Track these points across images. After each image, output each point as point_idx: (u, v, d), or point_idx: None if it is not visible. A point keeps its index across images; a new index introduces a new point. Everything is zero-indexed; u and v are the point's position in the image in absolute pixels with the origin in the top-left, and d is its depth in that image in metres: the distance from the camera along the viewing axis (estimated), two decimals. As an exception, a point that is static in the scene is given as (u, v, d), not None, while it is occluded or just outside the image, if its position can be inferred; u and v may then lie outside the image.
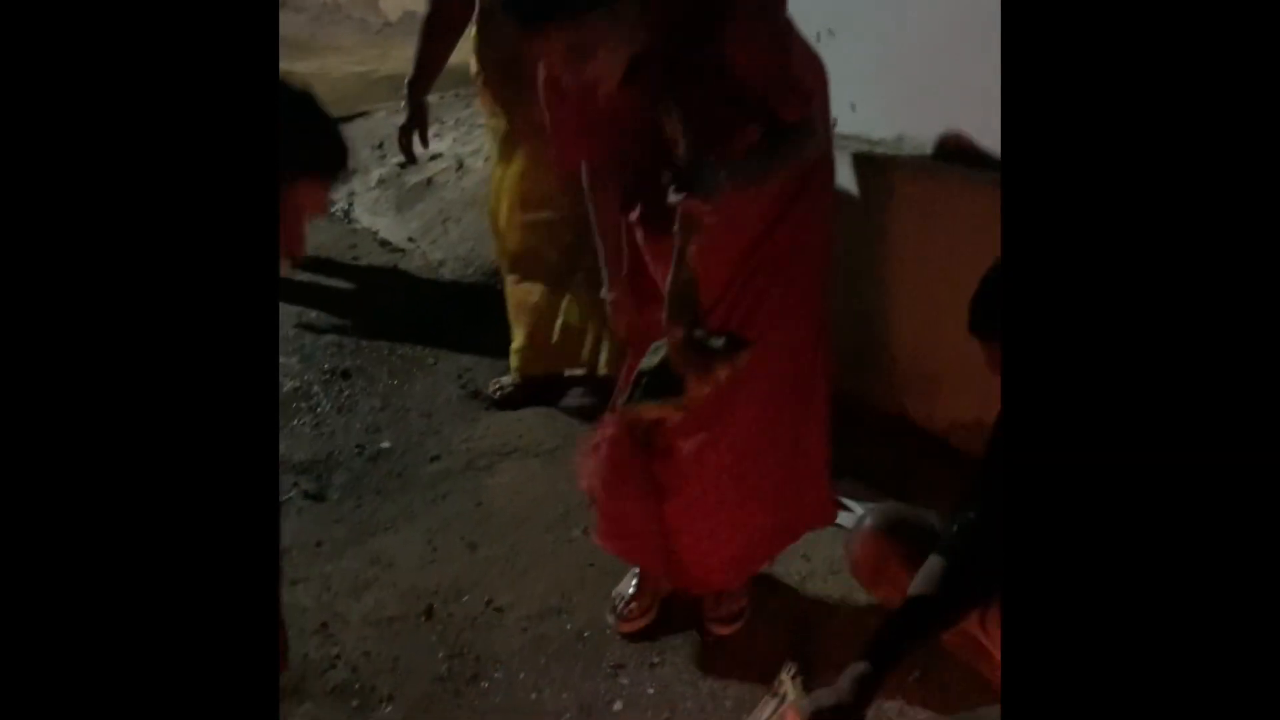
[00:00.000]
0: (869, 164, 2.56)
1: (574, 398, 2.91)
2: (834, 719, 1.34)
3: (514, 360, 2.97)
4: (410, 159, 2.87)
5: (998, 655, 1.50)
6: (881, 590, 1.64)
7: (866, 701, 1.38)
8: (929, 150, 2.48)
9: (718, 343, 1.49)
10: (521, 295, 2.86)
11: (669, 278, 1.51)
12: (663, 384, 1.51)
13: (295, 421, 3.01)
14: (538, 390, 2.97)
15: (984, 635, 1.54)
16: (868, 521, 1.62)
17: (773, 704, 1.83)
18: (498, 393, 3.02)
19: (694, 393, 1.50)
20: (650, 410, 1.54)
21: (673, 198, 1.48)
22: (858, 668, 1.39)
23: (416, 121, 2.78)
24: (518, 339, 2.92)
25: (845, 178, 2.58)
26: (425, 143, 2.80)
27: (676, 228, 1.52)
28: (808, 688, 1.88)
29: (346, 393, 3.16)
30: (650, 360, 1.54)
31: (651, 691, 1.94)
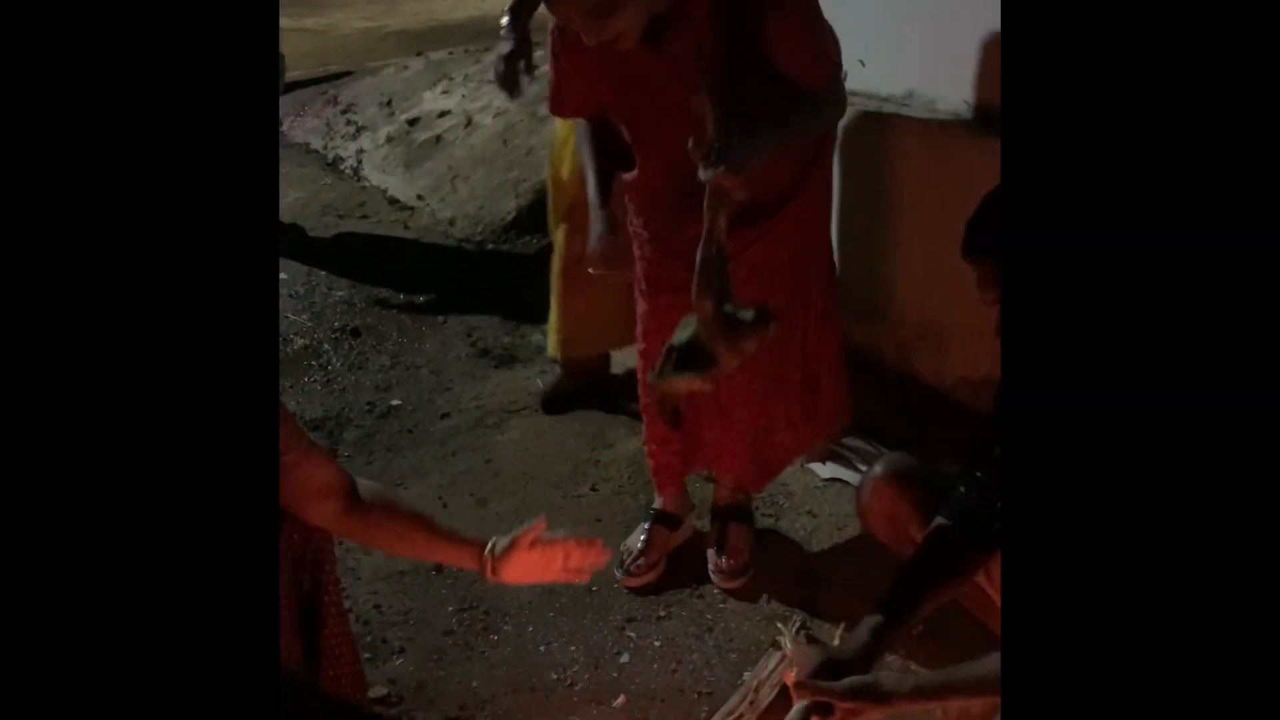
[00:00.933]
0: (878, 121, 2.54)
1: None
2: (849, 669, 1.36)
3: (553, 343, 2.74)
4: (515, 91, 2.51)
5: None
6: (892, 537, 1.66)
7: (880, 652, 1.40)
8: (938, 107, 2.46)
9: (747, 315, 1.50)
10: (576, 251, 2.54)
11: (699, 252, 1.52)
12: (693, 358, 1.51)
13: (306, 379, 3.03)
14: (587, 382, 2.80)
15: (990, 587, 1.56)
16: (879, 469, 1.64)
17: (777, 657, 1.86)
18: (541, 393, 2.83)
19: (725, 365, 1.51)
20: (681, 384, 1.55)
21: (704, 174, 1.49)
22: (873, 619, 1.40)
23: (522, 50, 2.42)
24: (555, 314, 2.70)
25: (854, 135, 2.56)
26: (531, 73, 2.45)
27: (706, 202, 1.53)
28: (813, 641, 1.91)
29: (356, 350, 3.18)
30: (681, 335, 1.54)
31: (658, 644, 1.97)
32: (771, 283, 1.87)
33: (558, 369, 2.83)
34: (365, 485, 1.53)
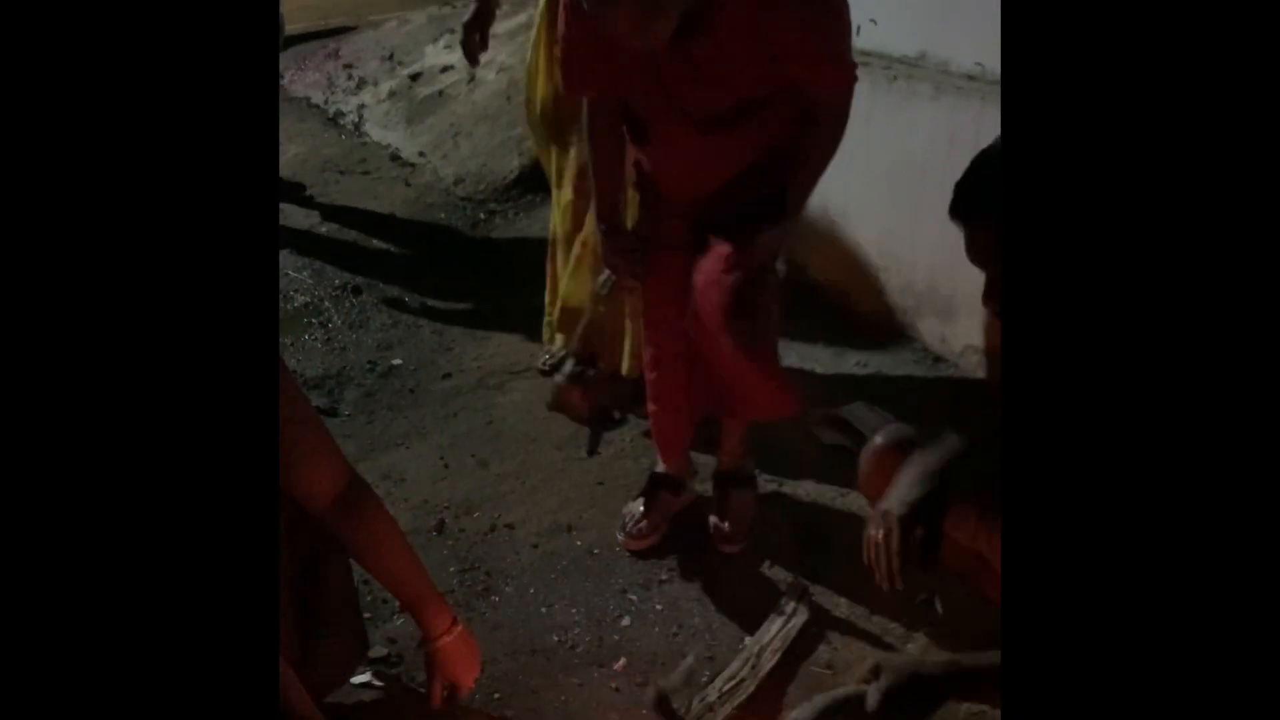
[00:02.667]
0: (890, 82, 2.50)
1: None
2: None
3: (549, 331, 2.74)
4: (474, 60, 2.65)
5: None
6: None
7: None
8: (951, 68, 2.42)
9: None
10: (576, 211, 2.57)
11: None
12: None
13: (306, 337, 3.01)
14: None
15: (989, 550, 1.55)
16: (879, 440, 1.63)
17: (779, 621, 1.86)
18: (546, 364, 2.79)
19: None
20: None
21: (765, 236, 1.72)
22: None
23: (483, 18, 2.56)
24: (551, 295, 2.69)
25: (865, 96, 2.52)
26: (485, 44, 2.59)
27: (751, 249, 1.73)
28: (815, 606, 1.91)
29: (357, 309, 3.16)
30: None
31: (660, 608, 1.97)
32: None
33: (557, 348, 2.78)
34: (368, 486, 1.55)
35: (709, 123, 1.74)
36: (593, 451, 2.01)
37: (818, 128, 1.75)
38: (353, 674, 1.71)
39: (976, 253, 1.32)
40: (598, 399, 1.77)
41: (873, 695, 1.23)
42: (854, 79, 1.74)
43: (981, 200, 1.29)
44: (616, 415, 1.75)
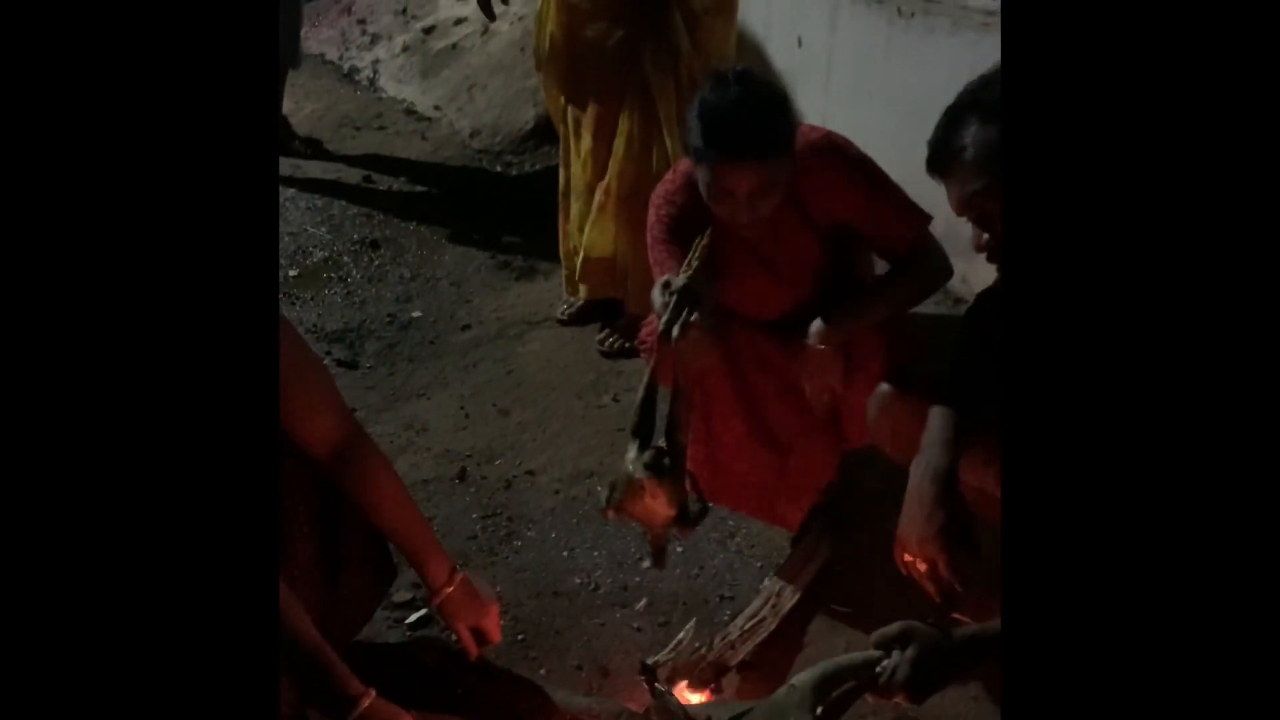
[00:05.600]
0: (908, 19, 2.46)
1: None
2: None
3: (569, 283, 2.77)
4: (490, 15, 2.70)
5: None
6: (900, 451, 1.64)
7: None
8: (969, 3, 2.38)
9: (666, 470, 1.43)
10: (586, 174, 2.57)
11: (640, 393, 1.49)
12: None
13: (326, 291, 3.03)
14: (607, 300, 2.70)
15: (997, 488, 1.54)
16: (884, 386, 1.63)
17: (800, 560, 1.87)
18: (565, 313, 2.82)
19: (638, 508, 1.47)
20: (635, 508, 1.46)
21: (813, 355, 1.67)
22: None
23: None
24: (565, 246, 2.72)
25: (882, 33, 2.48)
26: None
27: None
28: (836, 547, 1.91)
29: (376, 263, 3.17)
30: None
31: (680, 550, 1.98)
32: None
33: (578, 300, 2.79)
34: (369, 438, 1.54)
35: (789, 279, 1.78)
36: (660, 564, 1.65)
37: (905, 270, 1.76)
38: (380, 603, 1.74)
39: (958, 205, 1.32)
40: (683, 497, 1.44)
41: (903, 668, 1.20)
42: (928, 220, 1.73)
43: (954, 154, 1.29)
44: (695, 507, 1.47)
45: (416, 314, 2.89)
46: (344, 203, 3.51)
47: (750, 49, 3.14)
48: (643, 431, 1.45)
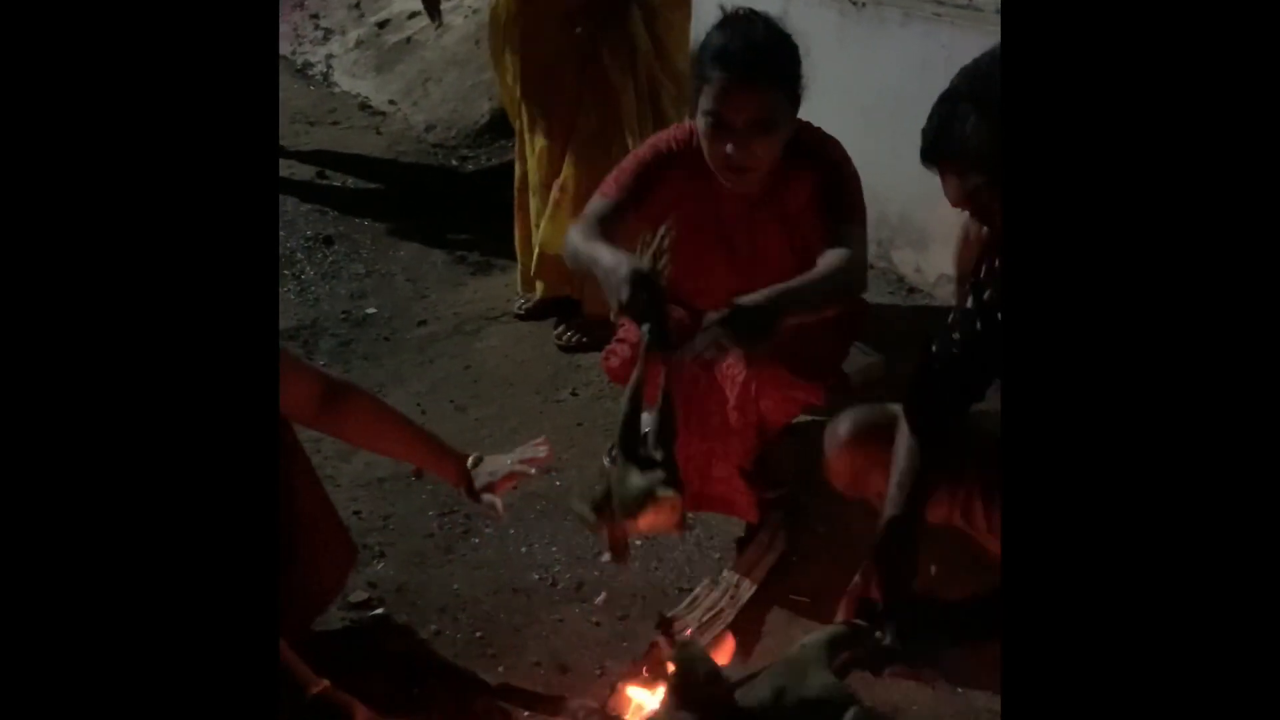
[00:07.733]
0: (858, 10, 2.47)
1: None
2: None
3: (523, 279, 2.74)
4: (436, 16, 2.71)
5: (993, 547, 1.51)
6: (857, 494, 1.63)
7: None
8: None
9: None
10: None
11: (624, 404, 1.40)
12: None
13: (280, 288, 2.98)
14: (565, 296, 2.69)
15: (966, 526, 1.54)
16: (841, 430, 1.58)
17: (757, 552, 1.87)
18: (522, 308, 2.79)
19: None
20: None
21: (735, 352, 1.47)
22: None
23: None
24: (522, 243, 2.71)
25: (834, 25, 2.49)
26: None
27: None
28: (795, 543, 1.92)
29: (330, 259, 3.13)
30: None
31: (639, 543, 1.97)
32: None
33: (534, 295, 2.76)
34: (344, 381, 1.54)
35: (748, 273, 1.72)
36: (621, 559, 1.49)
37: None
38: (344, 584, 1.74)
39: (957, 198, 1.30)
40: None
41: (890, 634, 1.23)
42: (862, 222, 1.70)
43: (948, 144, 1.27)
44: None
45: (372, 310, 2.86)
46: (297, 199, 3.47)
47: (705, 41, 3.13)
48: (631, 448, 1.37)
